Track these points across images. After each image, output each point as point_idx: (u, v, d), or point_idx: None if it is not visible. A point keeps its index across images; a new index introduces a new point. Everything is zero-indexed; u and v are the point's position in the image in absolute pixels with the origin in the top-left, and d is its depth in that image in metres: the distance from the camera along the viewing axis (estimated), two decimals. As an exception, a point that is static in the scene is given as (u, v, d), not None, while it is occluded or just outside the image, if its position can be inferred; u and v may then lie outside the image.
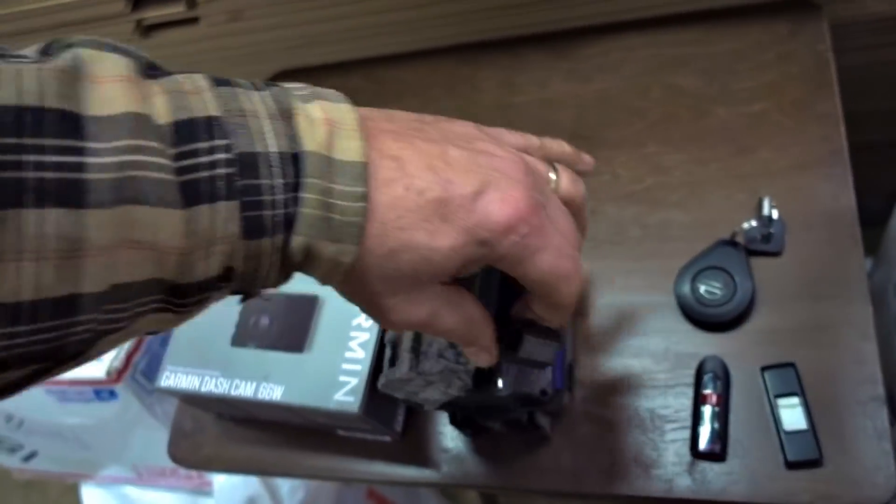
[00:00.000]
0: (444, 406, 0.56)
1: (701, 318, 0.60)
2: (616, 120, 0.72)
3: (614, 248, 0.66)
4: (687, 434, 0.58)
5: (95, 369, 0.86)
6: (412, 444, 0.64)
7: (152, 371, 0.91)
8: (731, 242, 0.61)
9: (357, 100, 0.31)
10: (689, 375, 0.59)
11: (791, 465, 0.55)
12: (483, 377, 0.45)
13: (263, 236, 0.28)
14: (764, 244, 0.62)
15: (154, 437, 0.97)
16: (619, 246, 0.66)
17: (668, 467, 0.57)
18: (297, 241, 0.28)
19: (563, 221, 0.35)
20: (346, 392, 0.58)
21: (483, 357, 0.38)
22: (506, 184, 0.32)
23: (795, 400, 0.56)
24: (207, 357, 0.62)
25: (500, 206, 0.31)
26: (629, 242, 0.66)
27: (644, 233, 0.66)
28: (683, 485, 0.56)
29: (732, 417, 0.57)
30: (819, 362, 0.57)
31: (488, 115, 0.76)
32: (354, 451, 0.65)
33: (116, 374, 0.87)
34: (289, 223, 0.28)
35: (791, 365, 0.57)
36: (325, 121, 0.29)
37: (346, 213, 0.29)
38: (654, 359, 0.61)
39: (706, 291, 0.60)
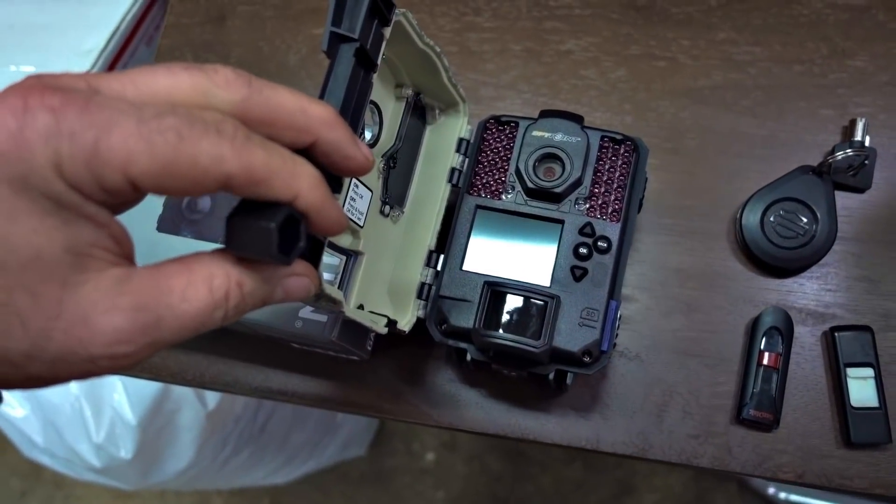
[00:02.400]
0: (453, 338, 0.43)
1: (767, 259, 0.48)
2: (683, -10, 0.56)
3: (666, 157, 0.52)
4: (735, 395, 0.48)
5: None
6: (386, 370, 0.51)
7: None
8: (818, 171, 0.49)
9: None
10: (742, 325, 0.49)
11: (852, 446, 0.46)
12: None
13: None
14: (850, 177, 0.50)
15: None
16: (673, 155, 0.52)
17: (705, 431, 0.47)
18: None
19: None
20: (315, 308, 0.44)
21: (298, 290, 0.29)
22: None
23: (869, 372, 0.46)
24: (128, 243, 0.46)
25: None
26: (685, 151, 0.52)
27: (705, 142, 0.53)
28: (718, 453, 0.47)
29: (789, 383, 0.47)
30: (898, 328, 0.47)
31: (515, -39, 0.59)
32: (315, 369, 0.52)
33: None
34: None
35: (868, 329, 0.47)
36: None
37: None
38: (704, 300, 0.49)
39: (780, 227, 0.48)
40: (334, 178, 0.30)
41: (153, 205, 0.47)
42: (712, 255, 0.50)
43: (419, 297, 0.44)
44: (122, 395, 0.83)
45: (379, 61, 0.35)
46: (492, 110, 0.55)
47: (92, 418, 0.85)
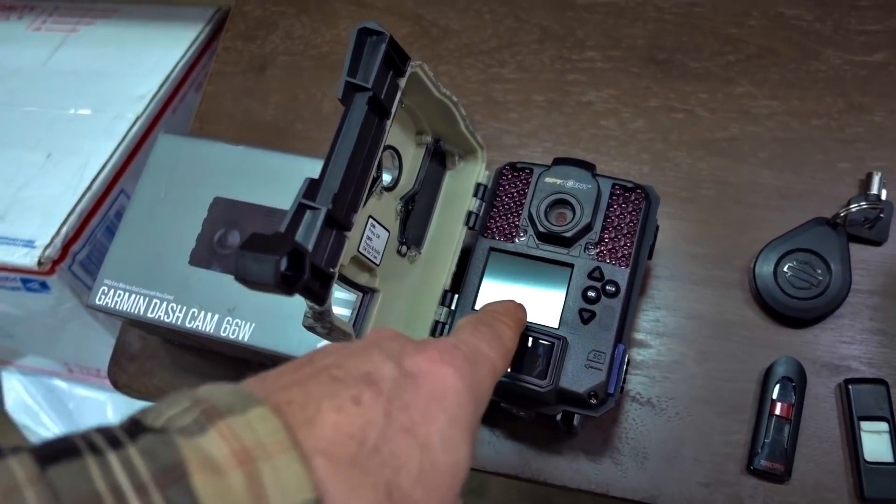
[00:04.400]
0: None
1: (780, 309, 0.49)
2: (702, 46, 0.58)
3: (683, 206, 0.53)
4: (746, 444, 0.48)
5: (25, 255, 0.72)
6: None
7: (93, 264, 0.77)
8: (832, 223, 0.50)
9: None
10: (756, 374, 0.49)
11: (866, 501, 0.45)
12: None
13: None
14: (866, 230, 0.50)
15: (90, 337, 0.84)
16: (689, 204, 0.54)
17: (716, 479, 0.47)
18: None
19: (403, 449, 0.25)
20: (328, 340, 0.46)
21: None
22: None
23: (883, 426, 0.46)
24: (157, 275, 0.49)
25: None
26: (701, 201, 0.54)
27: (720, 192, 0.54)
28: (729, 503, 0.46)
29: (801, 434, 0.47)
30: (915, 383, 0.47)
31: (542, 15, 0.62)
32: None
33: (50, 265, 0.72)
34: None
35: (883, 383, 0.47)
36: (238, 456, 0.20)
37: None
38: (716, 348, 0.50)
39: (793, 278, 0.49)
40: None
41: (186, 239, 0.49)
42: (726, 303, 0.51)
43: (432, 334, 0.46)
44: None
45: (393, 110, 0.37)
46: (514, 158, 0.57)
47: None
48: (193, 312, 0.47)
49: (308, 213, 0.33)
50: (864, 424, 0.46)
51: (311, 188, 0.34)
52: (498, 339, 0.32)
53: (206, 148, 0.53)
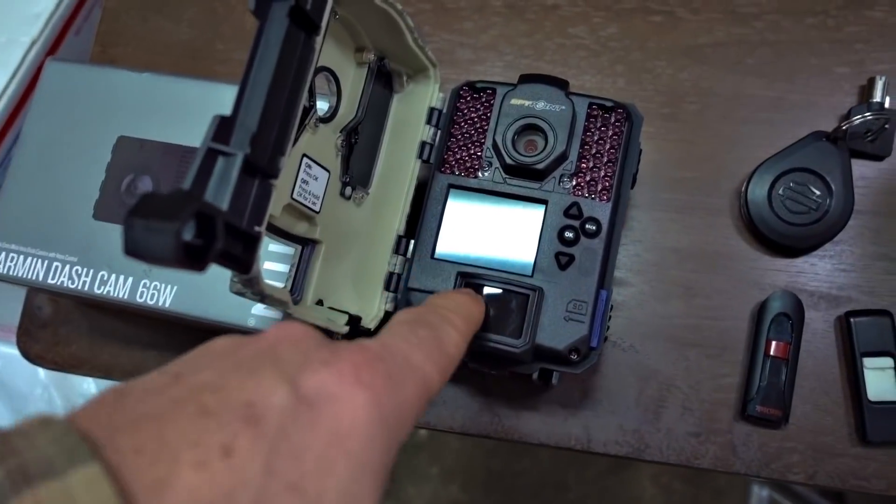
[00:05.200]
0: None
1: (775, 238, 0.44)
2: (681, -64, 0.50)
3: (663, 125, 0.47)
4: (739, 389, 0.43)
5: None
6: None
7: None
8: (832, 137, 0.44)
9: None
10: (748, 310, 0.44)
11: (869, 444, 0.42)
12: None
13: None
14: (867, 143, 0.45)
15: (1, 294, 0.75)
16: (671, 122, 0.47)
17: (707, 428, 0.43)
18: None
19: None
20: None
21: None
22: None
23: (888, 362, 0.42)
24: (56, 233, 0.41)
25: None
26: (684, 117, 0.47)
27: (705, 106, 0.47)
28: (721, 453, 0.43)
29: (799, 374, 0.43)
30: (920, 312, 0.43)
31: None
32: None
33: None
34: None
35: (887, 314, 0.42)
36: None
37: None
38: (705, 283, 0.45)
39: (790, 202, 0.43)
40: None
41: (88, 188, 0.42)
42: (714, 232, 0.46)
43: (387, 288, 0.39)
44: (91, 385, 0.79)
45: (324, 22, 0.30)
46: (470, 75, 0.50)
47: (63, 409, 0.81)
48: (103, 276, 0.40)
49: (220, 161, 0.26)
50: (867, 361, 0.42)
51: (223, 128, 0.26)
52: (439, 347, 0.26)
53: (106, 76, 0.45)
